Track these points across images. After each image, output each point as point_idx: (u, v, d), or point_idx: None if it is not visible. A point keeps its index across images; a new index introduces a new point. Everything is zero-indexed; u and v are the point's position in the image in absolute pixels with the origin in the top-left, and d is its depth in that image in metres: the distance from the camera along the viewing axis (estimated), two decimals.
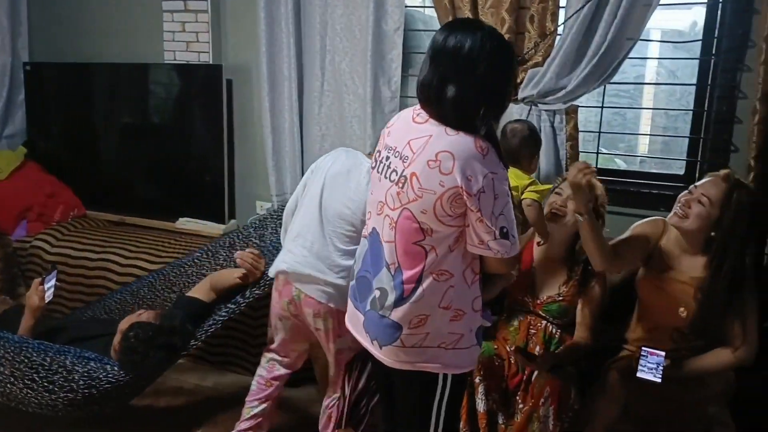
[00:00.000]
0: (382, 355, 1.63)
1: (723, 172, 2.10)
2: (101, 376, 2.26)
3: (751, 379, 2.22)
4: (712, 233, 2.04)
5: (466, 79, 1.46)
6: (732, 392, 2.19)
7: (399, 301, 1.56)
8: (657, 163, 3.53)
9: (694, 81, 2.91)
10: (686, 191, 2.12)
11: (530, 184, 2.12)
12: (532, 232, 2.31)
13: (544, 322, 2.27)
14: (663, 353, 1.98)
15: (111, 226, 3.82)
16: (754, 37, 2.59)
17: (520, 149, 1.94)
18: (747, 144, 2.59)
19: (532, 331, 2.27)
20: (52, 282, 2.51)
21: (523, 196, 2.22)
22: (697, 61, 2.87)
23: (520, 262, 2.27)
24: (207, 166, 3.67)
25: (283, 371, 2.41)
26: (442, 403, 1.65)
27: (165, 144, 3.85)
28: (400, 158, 1.54)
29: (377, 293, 1.61)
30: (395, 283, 1.56)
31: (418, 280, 1.54)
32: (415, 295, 1.54)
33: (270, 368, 2.40)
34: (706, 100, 2.83)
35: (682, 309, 2.10)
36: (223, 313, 2.47)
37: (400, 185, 1.53)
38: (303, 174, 3.47)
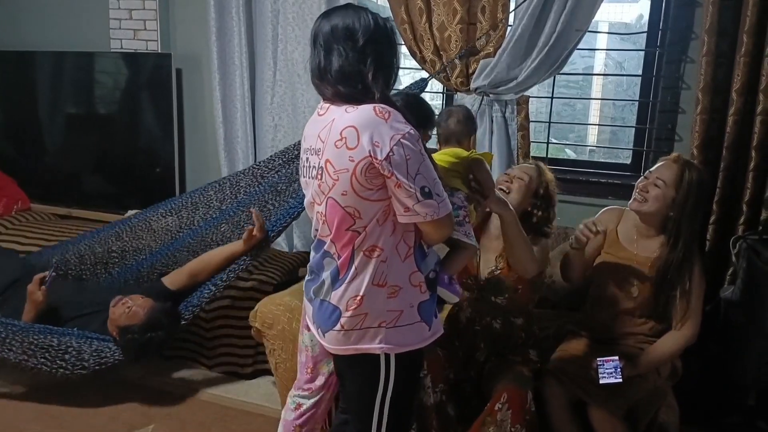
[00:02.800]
0: (326, 342, 1.62)
1: (673, 155, 2.19)
2: (108, 354, 2.56)
3: (693, 361, 2.30)
4: (671, 213, 2.12)
5: (348, 46, 1.51)
6: (679, 375, 2.26)
7: (336, 284, 1.56)
8: (606, 152, 3.61)
9: (640, 72, 2.98)
10: (642, 177, 2.19)
11: (469, 154, 2.10)
12: (482, 216, 2.28)
13: (488, 318, 2.23)
14: (617, 357, 2.03)
15: (57, 220, 3.71)
16: (697, 30, 2.67)
17: (461, 129, 1.96)
18: (690, 133, 2.67)
19: (477, 328, 2.23)
20: (50, 280, 2.69)
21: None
22: (643, 52, 2.95)
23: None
24: (157, 157, 3.61)
25: (310, 408, 2.03)
26: (387, 390, 1.60)
27: (113, 135, 3.77)
28: (315, 153, 1.55)
29: (322, 282, 1.61)
30: (336, 268, 1.57)
31: (350, 259, 1.53)
32: (349, 275, 1.54)
33: (296, 408, 2.03)
34: (651, 91, 2.91)
35: (634, 288, 2.17)
36: (211, 287, 2.66)
37: (319, 177, 1.53)
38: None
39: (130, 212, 3.60)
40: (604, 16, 3.58)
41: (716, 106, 2.59)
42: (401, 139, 1.44)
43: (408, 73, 3.70)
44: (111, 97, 3.78)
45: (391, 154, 1.43)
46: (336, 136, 1.47)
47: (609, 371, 2.01)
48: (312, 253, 1.68)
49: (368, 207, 1.50)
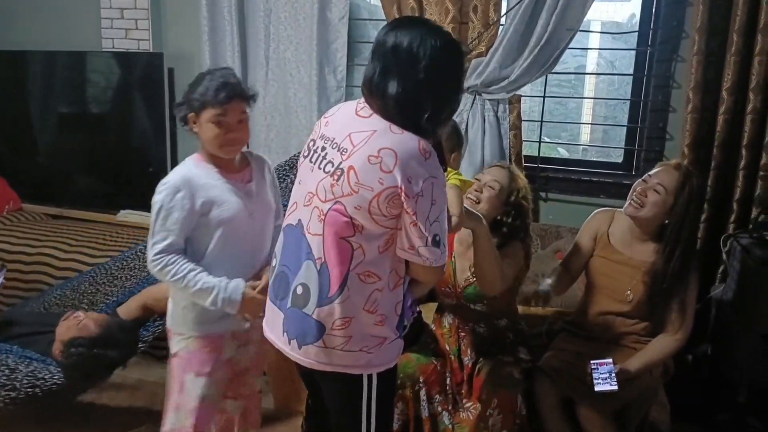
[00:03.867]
0: (301, 355, 1.56)
1: (674, 161, 2.17)
2: (45, 377, 2.22)
3: (685, 359, 2.31)
4: (666, 221, 2.10)
5: (407, 75, 1.41)
6: (671, 373, 2.26)
7: (323, 300, 1.50)
8: (598, 151, 3.62)
9: (632, 71, 2.99)
10: (640, 180, 2.15)
11: (452, 174, 2.07)
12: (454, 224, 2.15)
13: (471, 323, 2.20)
14: (611, 360, 2.02)
15: (49, 220, 3.70)
16: (687, 29, 2.68)
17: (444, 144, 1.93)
18: (681, 132, 2.68)
19: (462, 334, 2.20)
20: (0, 279, 2.48)
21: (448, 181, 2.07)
22: (634, 51, 2.95)
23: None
24: (149, 157, 3.60)
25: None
26: (371, 402, 1.58)
27: (105, 134, 3.76)
28: (338, 150, 1.47)
29: (299, 289, 1.53)
30: (321, 280, 1.50)
31: (344, 279, 1.48)
32: (341, 296, 1.48)
33: None
34: (643, 90, 2.92)
35: (628, 292, 2.16)
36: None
37: (335, 178, 1.45)
38: None
39: (123, 212, 3.61)
40: (597, 15, 3.58)
41: (707, 104, 2.60)
42: (433, 183, 1.42)
43: None
44: (103, 97, 3.77)
45: (420, 194, 1.41)
46: (373, 151, 1.42)
47: (603, 377, 1.99)
48: (286, 251, 1.60)
49: (374, 228, 1.46)
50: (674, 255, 2.08)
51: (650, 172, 2.16)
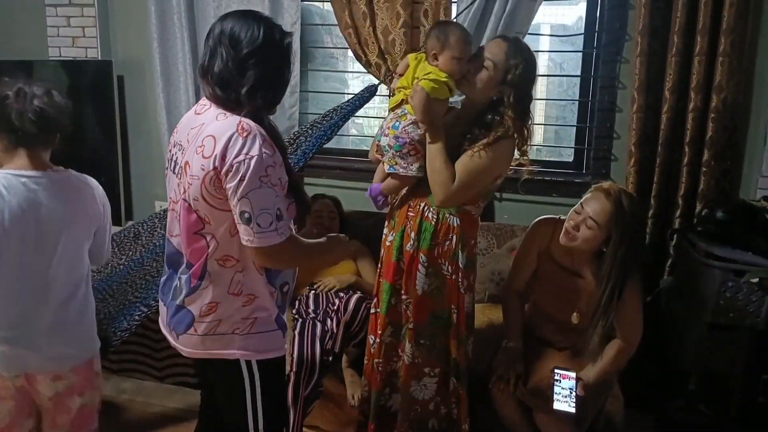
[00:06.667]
0: (180, 344, 1.64)
1: (607, 185, 2.07)
2: None
3: (636, 350, 2.36)
4: (604, 249, 2.05)
5: (230, 53, 1.49)
6: (622, 367, 2.31)
7: (190, 290, 1.58)
8: (550, 150, 3.69)
9: (579, 73, 3.06)
10: (574, 210, 2.09)
11: (425, 75, 1.90)
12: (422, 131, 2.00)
13: (422, 204, 2.04)
14: (574, 374, 2.01)
15: None
16: (630, 31, 2.76)
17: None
18: (627, 131, 2.76)
19: (411, 214, 2.06)
20: None
21: (416, 83, 1.92)
22: (581, 53, 3.03)
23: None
24: (101, 167, 3.52)
25: None
26: (256, 395, 1.62)
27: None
28: (180, 150, 1.56)
29: (177, 283, 1.62)
30: (187, 275, 1.58)
31: (203, 267, 1.55)
32: (203, 282, 1.56)
33: None
34: (590, 91, 2.99)
35: (575, 315, 2.15)
36: (142, 308, 2.37)
37: (179, 176, 1.54)
38: None
39: None
40: (546, 18, 3.66)
41: (650, 104, 2.68)
42: (246, 159, 1.43)
43: (357, 76, 3.71)
44: None
45: (229, 170, 1.43)
46: (198, 142, 1.48)
47: (564, 394, 1.98)
48: (166, 249, 1.69)
49: (217, 215, 1.50)
50: (613, 288, 2.02)
51: (584, 199, 2.09)
